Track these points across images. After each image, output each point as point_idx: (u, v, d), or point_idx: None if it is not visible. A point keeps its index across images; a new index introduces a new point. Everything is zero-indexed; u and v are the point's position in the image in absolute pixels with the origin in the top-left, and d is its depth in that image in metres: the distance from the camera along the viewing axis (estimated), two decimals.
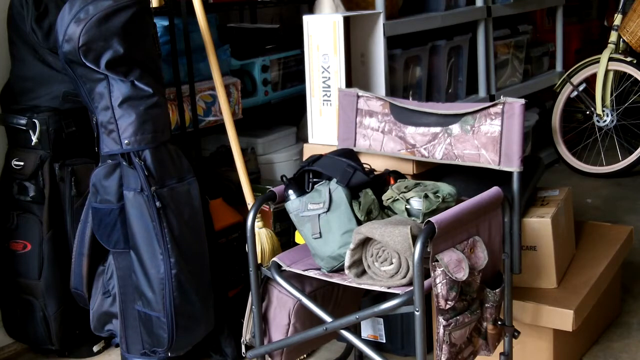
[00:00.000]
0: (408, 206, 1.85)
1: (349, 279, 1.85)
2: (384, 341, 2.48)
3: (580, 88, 4.37)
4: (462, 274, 1.67)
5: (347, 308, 2.14)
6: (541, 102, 4.58)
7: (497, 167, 2.00)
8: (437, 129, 2.09)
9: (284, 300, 2.02)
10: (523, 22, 4.39)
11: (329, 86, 2.47)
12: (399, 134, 2.16)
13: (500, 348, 2.00)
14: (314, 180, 1.99)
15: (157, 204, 2.17)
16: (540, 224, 2.22)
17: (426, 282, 1.67)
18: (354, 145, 2.24)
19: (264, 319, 2.05)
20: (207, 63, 2.53)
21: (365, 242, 1.79)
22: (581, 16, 5.45)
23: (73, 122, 2.44)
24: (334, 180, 1.92)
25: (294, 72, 3.14)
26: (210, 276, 2.35)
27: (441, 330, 1.72)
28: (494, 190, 1.87)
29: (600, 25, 5.36)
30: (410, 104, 2.16)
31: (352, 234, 1.80)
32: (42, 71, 2.44)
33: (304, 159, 2.23)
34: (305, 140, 2.59)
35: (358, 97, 2.24)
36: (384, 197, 1.91)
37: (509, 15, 4.06)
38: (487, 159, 2.01)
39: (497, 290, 1.84)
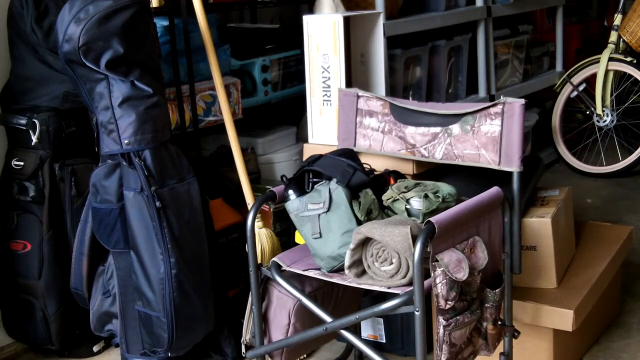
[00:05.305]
0: (408, 206, 1.85)
1: (349, 279, 1.85)
2: (384, 341, 2.48)
3: (580, 88, 4.37)
4: (462, 274, 1.67)
5: (347, 308, 2.14)
6: (541, 102, 4.58)
7: (497, 167, 2.00)
8: (437, 129, 2.09)
9: (284, 300, 2.02)
10: (523, 22, 4.39)
11: (329, 86, 2.47)
12: (399, 134, 2.16)
13: (500, 348, 2.00)
14: (314, 180, 1.99)
15: (157, 204, 2.17)
16: (540, 224, 2.22)
17: (426, 282, 1.67)
18: (354, 145, 2.24)
19: (264, 319, 2.05)
20: (207, 63, 2.53)
21: (365, 242, 1.79)
22: (581, 16, 5.45)
23: (73, 122, 2.44)
24: (334, 180, 1.92)
25: (294, 72, 3.14)
26: (210, 276, 2.35)
27: (441, 330, 1.72)
28: (494, 190, 1.87)
29: (600, 25, 5.36)
30: (410, 104, 2.16)
31: (352, 234, 1.80)
32: (42, 71, 2.44)
33: (304, 159, 2.23)
34: (305, 140, 2.59)
35: (358, 97, 2.24)
36: (384, 197, 1.91)
37: (509, 15, 4.06)
38: (487, 159, 2.01)
39: (497, 290, 1.84)
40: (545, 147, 4.51)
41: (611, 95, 4.29)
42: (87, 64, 2.12)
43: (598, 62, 4.27)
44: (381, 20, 2.56)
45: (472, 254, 1.74)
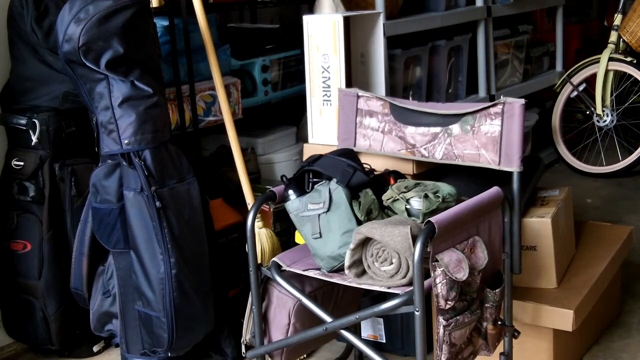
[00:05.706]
0: (408, 206, 1.85)
1: (349, 279, 1.85)
2: (384, 341, 2.48)
3: (580, 88, 4.37)
4: (462, 274, 1.67)
5: (347, 308, 2.14)
6: (541, 102, 4.58)
7: (497, 167, 2.00)
8: (437, 129, 2.09)
9: (284, 300, 2.02)
10: (523, 22, 4.39)
11: (329, 86, 2.47)
12: (399, 134, 2.16)
13: (500, 348, 2.00)
14: (314, 180, 1.99)
15: (157, 204, 2.17)
16: (540, 224, 2.22)
17: (426, 282, 1.67)
18: (354, 145, 2.24)
19: (264, 319, 2.05)
20: (207, 63, 2.53)
21: (365, 242, 1.79)
22: (581, 16, 5.45)
23: (73, 122, 2.44)
24: (334, 180, 1.92)
25: (294, 72, 3.14)
26: (210, 276, 2.35)
27: (441, 330, 1.72)
28: (494, 190, 1.87)
29: (600, 25, 5.36)
30: (410, 104, 2.16)
31: (352, 234, 1.80)
32: (42, 71, 2.44)
33: (304, 159, 2.23)
34: (305, 140, 2.59)
35: (358, 97, 2.24)
36: (384, 197, 1.91)
37: (509, 15, 4.06)
38: (487, 159, 2.01)
39: (497, 290, 1.84)
40: (545, 147, 4.51)
41: (611, 95, 4.29)
42: (87, 64, 2.12)
43: (598, 62, 4.27)
44: (381, 20, 2.56)
45: (472, 254, 1.74)
